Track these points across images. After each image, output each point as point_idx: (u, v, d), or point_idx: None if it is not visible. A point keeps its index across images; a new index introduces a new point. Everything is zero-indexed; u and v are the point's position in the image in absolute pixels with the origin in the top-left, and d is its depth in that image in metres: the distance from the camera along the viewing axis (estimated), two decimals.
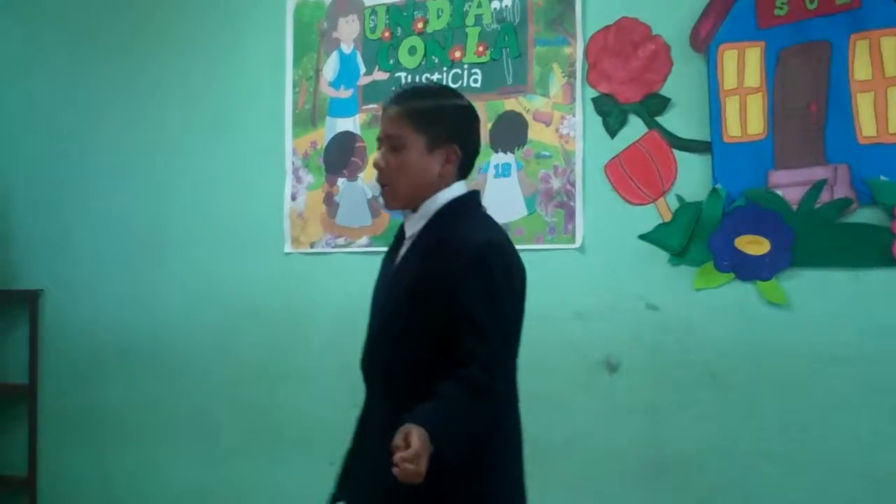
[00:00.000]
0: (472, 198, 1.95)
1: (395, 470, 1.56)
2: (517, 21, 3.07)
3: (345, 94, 3.35)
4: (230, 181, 3.56)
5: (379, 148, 1.93)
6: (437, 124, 1.88)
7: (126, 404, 3.75)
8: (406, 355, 1.85)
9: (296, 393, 3.41)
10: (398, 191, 1.90)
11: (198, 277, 3.62)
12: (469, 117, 1.96)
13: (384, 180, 1.90)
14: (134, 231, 3.77)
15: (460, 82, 3.14)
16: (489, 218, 1.95)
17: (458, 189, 1.91)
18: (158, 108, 3.72)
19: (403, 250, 1.93)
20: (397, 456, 1.56)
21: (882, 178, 2.54)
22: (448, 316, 1.75)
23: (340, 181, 3.34)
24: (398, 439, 1.58)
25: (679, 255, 2.80)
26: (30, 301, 3.91)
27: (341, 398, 3.32)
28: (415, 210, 1.91)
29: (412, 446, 1.55)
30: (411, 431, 1.57)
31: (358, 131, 3.31)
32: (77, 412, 3.85)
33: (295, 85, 3.43)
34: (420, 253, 1.87)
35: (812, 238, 2.62)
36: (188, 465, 3.61)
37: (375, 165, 1.92)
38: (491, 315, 1.75)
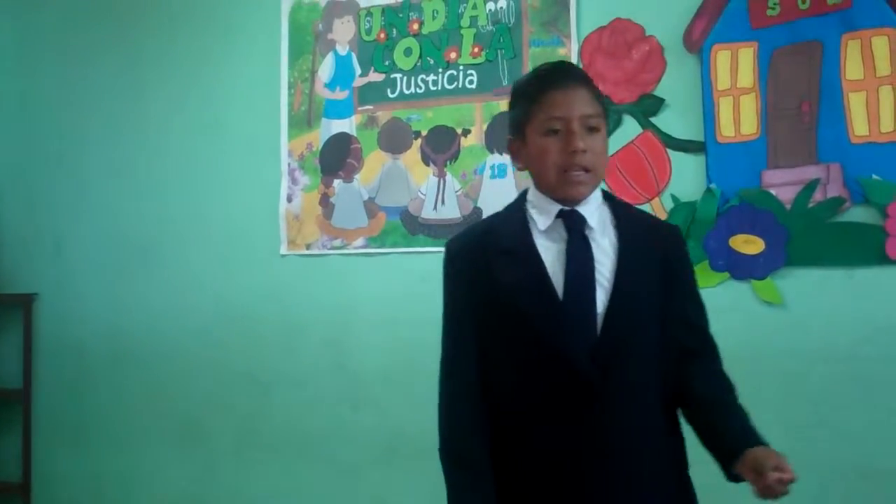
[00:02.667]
0: None
1: (771, 489, 1.48)
2: (512, 22, 3.08)
3: (340, 95, 3.35)
4: (225, 183, 3.55)
5: (557, 131, 1.65)
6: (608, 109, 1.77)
7: (120, 409, 3.73)
8: (658, 353, 1.69)
9: (291, 397, 3.41)
10: (598, 177, 1.69)
11: (193, 280, 3.61)
12: None
13: (589, 165, 1.65)
14: (128, 234, 3.75)
15: (456, 83, 3.15)
16: None
17: None
18: (153, 110, 3.71)
19: (598, 240, 1.69)
20: (778, 478, 1.47)
21: (874, 176, 2.56)
22: (682, 305, 1.72)
23: (336, 182, 3.34)
24: (781, 463, 1.49)
25: None
26: (23, 305, 3.89)
27: (337, 402, 3.35)
28: (586, 200, 1.71)
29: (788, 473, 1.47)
30: (779, 456, 1.51)
31: (354, 133, 3.32)
32: (71, 417, 3.83)
33: (290, 86, 3.44)
34: (642, 241, 1.71)
35: (806, 237, 2.64)
36: (181, 470, 3.60)
37: (575, 149, 1.63)
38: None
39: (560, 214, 1.69)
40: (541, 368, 1.65)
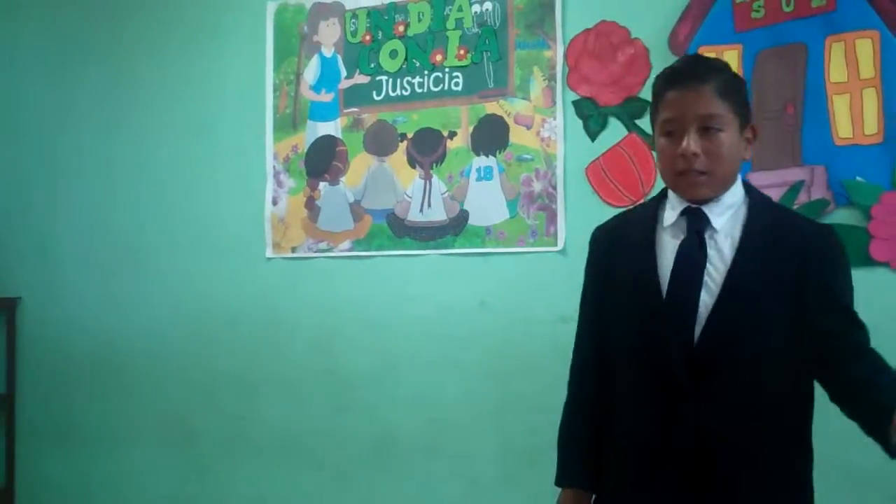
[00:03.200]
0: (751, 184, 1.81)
1: None
2: (498, 24, 3.08)
3: (326, 97, 3.35)
4: (210, 186, 3.54)
5: (670, 132, 1.68)
6: (742, 102, 1.69)
7: (105, 412, 3.71)
8: (780, 368, 1.66)
9: (277, 400, 3.40)
10: (717, 178, 1.67)
11: (177, 283, 3.59)
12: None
13: (703, 168, 1.65)
14: (113, 237, 3.73)
15: (442, 85, 3.15)
16: None
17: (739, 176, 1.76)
18: (138, 113, 3.70)
19: (720, 242, 1.69)
20: None
21: (858, 178, 2.57)
22: (824, 306, 1.65)
23: (322, 185, 3.33)
24: None
25: None
26: (7, 309, 3.86)
27: (322, 405, 3.34)
28: (712, 199, 1.70)
29: None
30: None
31: (339, 135, 3.31)
32: (56, 421, 3.81)
33: (276, 89, 3.42)
34: (772, 244, 1.67)
35: None
36: (167, 474, 3.58)
37: (685, 153, 1.64)
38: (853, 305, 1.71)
39: (685, 211, 1.71)
40: (641, 359, 1.72)
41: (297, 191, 3.37)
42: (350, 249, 3.28)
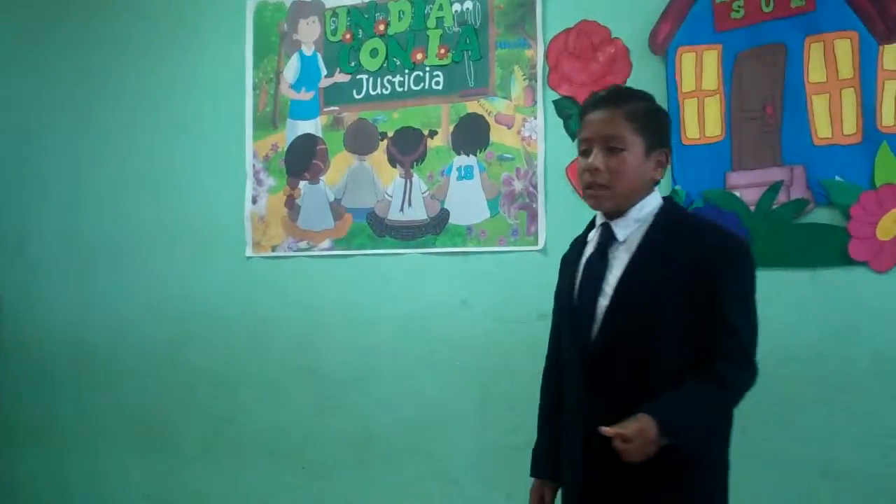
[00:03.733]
0: (676, 202, 2.04)
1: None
2: (478, 23, 3.07)
3: (306, 96, 3.33)
4: (189, 184, 3.52)
5: (585, 151, 1.90)
6: (652, 128, 1.90)
7: (83, 411, 3.70)
8: (670, 360, 1.82)
9: (257, 399, 3.39)
10: (617, 193, 1.87)
11: (157, 282, 3.58)
12: (669, 122, 2.00)
13: (605, 182, 1.86)
14: (92, 235, 3.72)
15: (422, 84, 3.14)
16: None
17: (657, 194, 1.95)
18: (116, 111, 3.68)
19: (621, 253, 1.89)
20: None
21: (837, 178, 2.58)
22: (709, 315, 1.80)
23: (302, 184, 3.32)
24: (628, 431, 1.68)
25: None
26: None
27: (303, 404, 3.33)
28: (621, 214, 1.90)
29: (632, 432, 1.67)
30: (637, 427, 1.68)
31: (319, 133, 3.30)
32: (34, 419, 3.79)
33: (255, 87, 3.41)
34: (665, 253, 1.85)
35: (769, 238, 2.65)
36: (147, 473, 3.57)
37: (589, 168, 1.87)
38: (745, 318, 1.83)
39: (601, 227, 1.94)
40: (564, 357, 2.00)
41: (277, 189, 3.36)
42: (330, 248, 3.26)
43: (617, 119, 1.86)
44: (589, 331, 1.88)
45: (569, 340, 1.96)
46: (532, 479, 2.12)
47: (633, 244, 1.88)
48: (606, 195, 1.87)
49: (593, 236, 1.97)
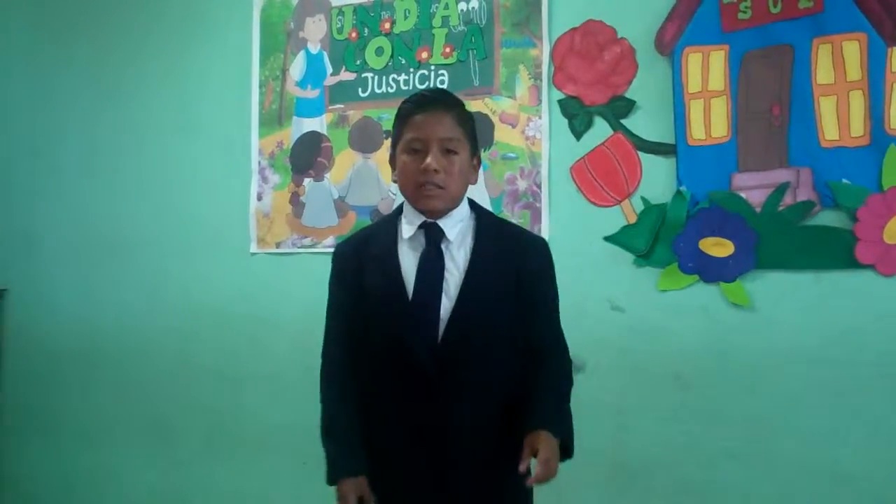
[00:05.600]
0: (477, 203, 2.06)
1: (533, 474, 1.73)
2: (484, 23, 3.07)
3: (311, 94, 3.33)
4: (196, 181, 3.53)
5: (416, 150, 1.88)
6: (474, 133, 1.96)
7: (88, 406, 3.71)
8: (506, 356, 1.92)
9: (259, 395, 3.39)
10: (450, 194, 1.90)
11: (162, 277, 3.59)
12: None
13: (441, 183, 1.87)
14: (100, 231, 3.73)
15: (427, 83, 3.13)
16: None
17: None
18: (124, 107, 3.69)
19: (455, 253, 1.91)
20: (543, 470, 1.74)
21: (844, 181, 2.56)
22: (534, 312, 1.93)
23: (307, 181, 3.32)
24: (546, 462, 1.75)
25: (644, 257, 2.81)
26: None
27: (306, 400, 3.31)
28: (444, 215, 1.92)
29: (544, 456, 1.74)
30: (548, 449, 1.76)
31: (325, 131, 3.30)
32: (39, 414, 3.80)
33: (261, 85, 3.41)
34: (497, 255, 1.92)
35: (775, 240, 2.64)
36: (150, 469, 3.58)
37: (427, 168, 1.86)
38: (558, 312, 2.00)
39: (422, 226, 1.92)
40: (393, 353, 1.89)
41: (282, 186, 3.36)
42: (334, 245, 3.25)
43: (452, 122, 1.89)
44: (434, 332, 1.86)
45: (402, 342, 1.87)
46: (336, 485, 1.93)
47: (465, 244, 1.92)
48: (441, 195, 1.88)
49: (410, 232, 1.92)
